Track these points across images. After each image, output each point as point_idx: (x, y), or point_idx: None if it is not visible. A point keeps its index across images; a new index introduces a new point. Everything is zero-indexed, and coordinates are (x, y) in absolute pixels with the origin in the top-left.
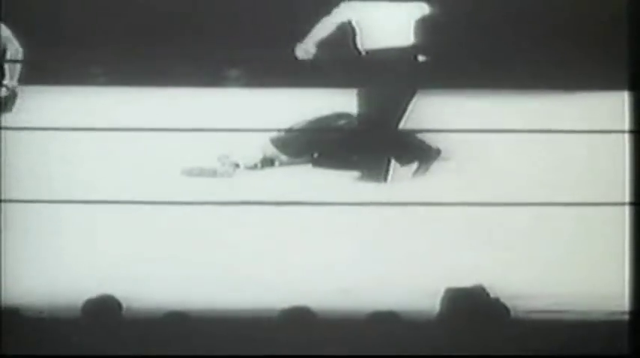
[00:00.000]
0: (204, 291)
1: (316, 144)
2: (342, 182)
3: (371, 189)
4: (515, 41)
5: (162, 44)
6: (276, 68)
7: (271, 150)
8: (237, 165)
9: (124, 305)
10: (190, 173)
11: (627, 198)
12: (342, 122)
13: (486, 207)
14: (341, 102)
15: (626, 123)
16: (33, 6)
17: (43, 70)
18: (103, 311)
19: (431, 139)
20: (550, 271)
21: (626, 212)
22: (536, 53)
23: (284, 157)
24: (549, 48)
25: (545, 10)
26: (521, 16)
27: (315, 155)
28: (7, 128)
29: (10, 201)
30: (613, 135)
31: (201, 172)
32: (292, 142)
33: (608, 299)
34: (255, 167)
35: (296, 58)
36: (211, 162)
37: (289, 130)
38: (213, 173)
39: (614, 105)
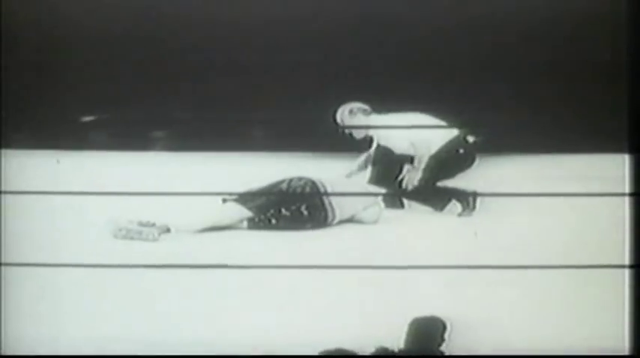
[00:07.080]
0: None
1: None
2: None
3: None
4: (513, 103)
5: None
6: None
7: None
8: (168, 229)
9: None
10: (117, 235)
11: (627, 261)
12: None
13: (484, 270)
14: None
15: (626, 186)
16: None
17: None
18: None
19: None
20: (549, 334)
21: (626, 275)
22: (536, 115)
23: (222, 221)
24: (549, 110)
25: (544, 71)
26: (520, 76)
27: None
28: None
29: None
30: (613, 198)
31: (126, 234)
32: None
33: None
34: (187, 231)
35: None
36: (139, 226)
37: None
38: (139, 235)
39: (614, 167)
